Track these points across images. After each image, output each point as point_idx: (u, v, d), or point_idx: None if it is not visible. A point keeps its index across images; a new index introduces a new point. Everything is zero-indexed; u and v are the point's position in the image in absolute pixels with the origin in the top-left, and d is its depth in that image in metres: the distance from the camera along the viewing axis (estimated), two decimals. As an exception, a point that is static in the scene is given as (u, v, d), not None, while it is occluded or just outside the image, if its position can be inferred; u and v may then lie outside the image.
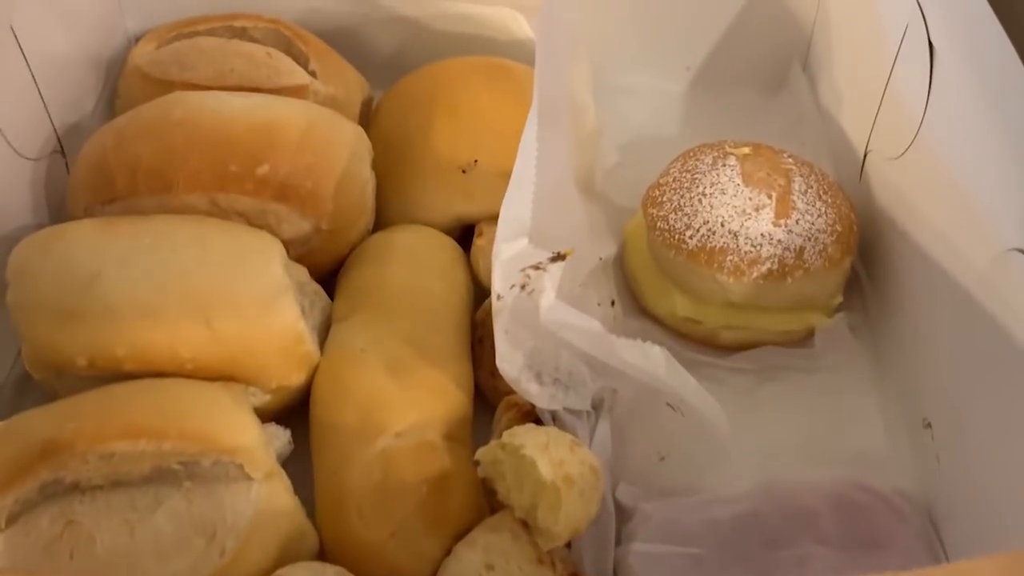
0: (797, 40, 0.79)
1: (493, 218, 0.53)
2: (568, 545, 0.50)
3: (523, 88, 0.63)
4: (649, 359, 0.51)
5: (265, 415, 0.54)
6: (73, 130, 0.69)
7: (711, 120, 0.78)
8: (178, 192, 0.58)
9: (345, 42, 0.76)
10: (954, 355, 0.54)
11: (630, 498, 0.54)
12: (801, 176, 0.63)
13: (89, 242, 0.54)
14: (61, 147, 0.67)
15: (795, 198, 0.61)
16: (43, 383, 0.55)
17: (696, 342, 0.63)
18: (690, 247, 0.61)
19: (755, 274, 0.60)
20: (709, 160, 0.64)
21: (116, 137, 0.61)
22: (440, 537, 0.50)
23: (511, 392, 0.54)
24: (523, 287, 0.50)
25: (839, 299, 0.64)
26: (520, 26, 0.77)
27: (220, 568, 0.47)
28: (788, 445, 0.58)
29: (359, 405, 0.53)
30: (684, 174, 0.64)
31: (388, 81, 0.73)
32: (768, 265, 0.59)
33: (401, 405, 0.53)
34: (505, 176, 0.53)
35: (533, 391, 0.52)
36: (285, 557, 0.49)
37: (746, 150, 0.64)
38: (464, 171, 0.65)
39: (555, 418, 0.53)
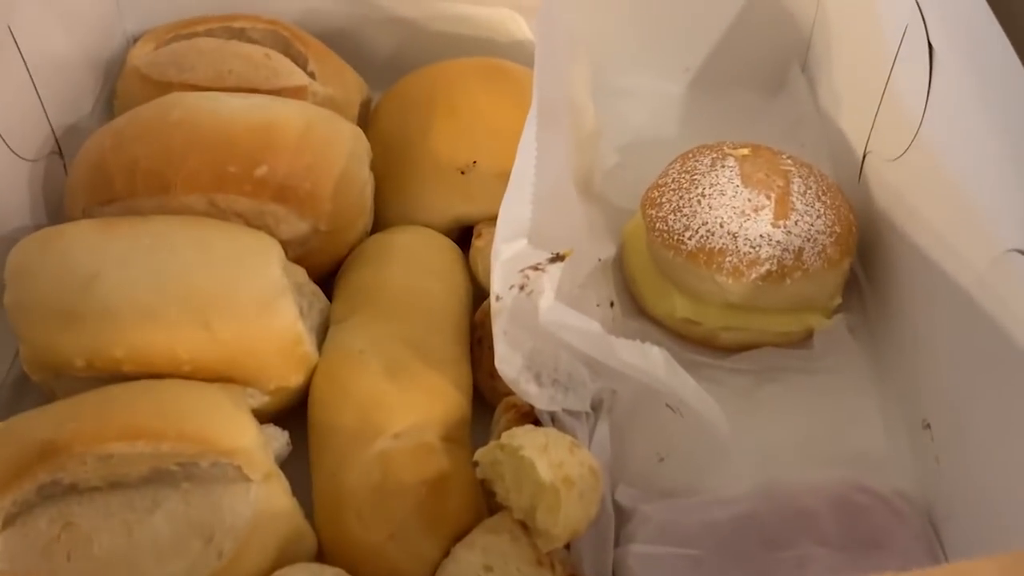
0: (796, 41, 0.79)
1: (492, 219, 0.53)
2: (567, 546, 0.50)
3: (522, 89, 0.63)
4: (648, 360, 0.51)
5: (263, 416, 0.54)
6: (71, 131, 0.69)
7: (710, 121, 0.78)
8: (176, 193, 0.58)
9: (344, 43, 0.76)
10: (953, 356, 0.54)
11: (629, 499, 0.54)
12: (800, 177, 0.63)
13: (87, 243, 0.54)
14: (59, 148, 0.67)
15: (794, 199, 0.61)
16: (41, 384, 0.55)
17: (695, 343, 0.63)
18: (689, 248, 0.61)
19: (754, 275, 0.60)
20: (708, 161, 0.64)
21: (114, 138, 0.61)
22: (439, 538, 0.50)
23: (510, 393, 0.54)
24: (522, 288, 0.50)
25: (838, 300, 0.64)
26: (519, 27, 0.77)
27: (218, 570, 0.47)
28: (787, 446, 0.58)
29: (358, 406, 0.53)
30: (683, 175, 0.64)
31: (387, 82, 0.73)
32: (767, 266, 0.59)
33: (400, 406, 0.53)
34: (504, 177, 0.53)
35: (532, 392, 0.52)
36: (283, 558, 0.48)
37: (745, 151, 0.64)
38: (463, 172, 0.65)
39: (554, 419, 0.53)
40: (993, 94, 0.51)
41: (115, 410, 0.50)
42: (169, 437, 0.48)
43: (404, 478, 0.50)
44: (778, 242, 0.60)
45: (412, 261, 0.61)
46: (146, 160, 0.59)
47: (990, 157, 0.50)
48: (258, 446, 0.50)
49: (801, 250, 0.60)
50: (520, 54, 0.74)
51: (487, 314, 0.53)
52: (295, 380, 0.55)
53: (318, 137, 0.61)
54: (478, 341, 0.60)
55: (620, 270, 0.68)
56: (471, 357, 0.59)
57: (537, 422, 0.53)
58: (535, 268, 0.50)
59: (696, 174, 0.63)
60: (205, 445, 0.48)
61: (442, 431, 0.53)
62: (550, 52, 0.59)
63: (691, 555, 0.51)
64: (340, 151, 0.61)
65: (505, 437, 0.49)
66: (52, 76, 0.66)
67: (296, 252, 0.60)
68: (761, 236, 0.60)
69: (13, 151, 0.62)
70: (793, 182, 0.62)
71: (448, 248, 0.64)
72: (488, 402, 0.58)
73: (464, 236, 0.66)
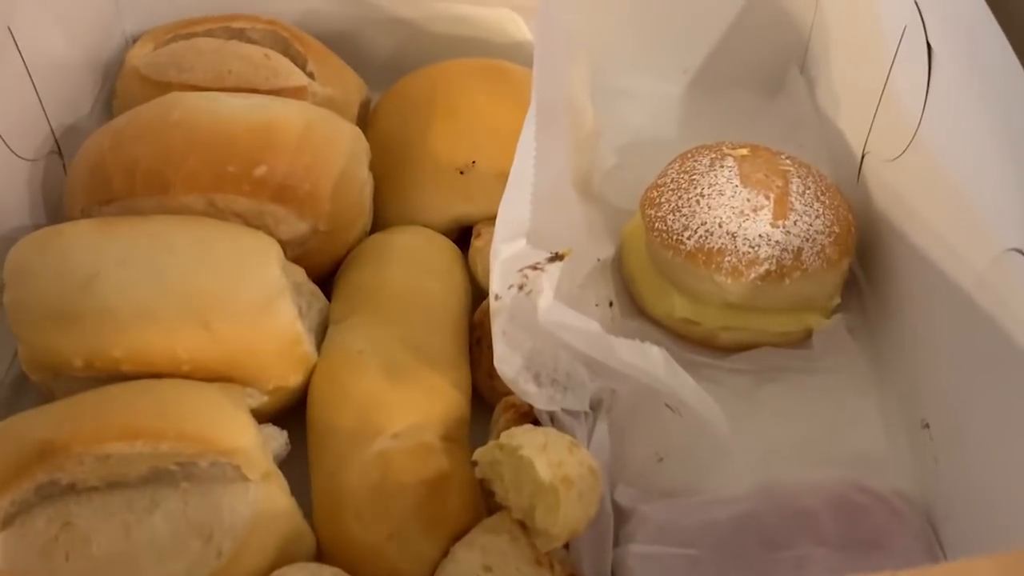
0: (795, 43, 0.79)
1: (491, 219, 0.53)
2: (566, 546, 0.50)
3: (521, 90, 0.63)
4: (648, 360, 0.51)
5: (262, 416, 0.54)
6: (70, 131, 0.69)
7: (709, 122, 0.78)
8: (175, 193, 0.58)
9: (343, 44, 0.76)
10: (952, 356, 0.54)
11: (629, 499, 0.54)
12: (799, 177, 0.63)
13: (86, 243, 0.54)
14: (58, 148, 0.67)
15: (793, 199, 0.61)
16: (40, 384, 0.55)
17: (694, 343, 0.63)
18: (688, 248, 0.61)
19: (753, 275, 0.60)
20: (707, 161, 0.64)
21: (114, 138, 0.61)
22: (438, 538, 0.50)
23: (509, 393, 0.54)
24: (521, 287, 0.50)
25: (837, 300, 0.64)
26: (518, 28, 0.77)
27: (217, 569, 0.47)
28: (786, 446, 0.58)
29: (357, 406, 0.53)
30: (682, 175, 0.64)
31: (386, 82, 0.73)
32: (766, 266, 0.59)
33: (399, 406, 0.53)
34: (503, 177, 0.53)
35: (531, 392, 0.52)
36: (282, 558, 0.48)
37: (744, 151, 0.64)
38: (462, 172, 0.65)
39: (553, 419, 0.53)
40: (992, 94, 0.52)
41: (114, 410, 0.50)
42: (168, 437, 0.48)
43: (403, 478, 0.50)
44: (777, 242, 0.60)
45: (411, 261, 0.61)
46: (145, 160, 0.59)
47: (989, 157, 0.50)
48: (257, 446, 0.50)
49: (800, 250, 0.60)
50: (519, 55, 0.74)
51: (486, 314, 0.53)
52: (294, 380, 0.55)
53: (317, 137, 0.61)
54: (477, 341, 0.60)
55: (619, 270, 0.68)
56: (470, 357, 0.59)
57: (536, 422, 0.53)
58: (534, 268, 0.50)
59: (695, 174, 0.63)
60: (204, 445, 0.48)
61: (441, 431, 0.53)
62: (549, 52, 0.59)
63: (690, 555, 0.51)
64: (339, 151, 0.61)
65: (504, 437, 0.49)
66: (51, 76, 0.66)
67: (295, 252, 0.60)
68: (760, 236, 0.60)
69: (12, 151, 0.62)
70: (792, 182, 0.62)
71: (447, 248, 0.64)
72: (487, 402, 0.58)
73: (463, 236, 0.66)
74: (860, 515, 0.52)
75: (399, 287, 0.59)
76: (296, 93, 0.67)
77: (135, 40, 0.74)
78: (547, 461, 0.47)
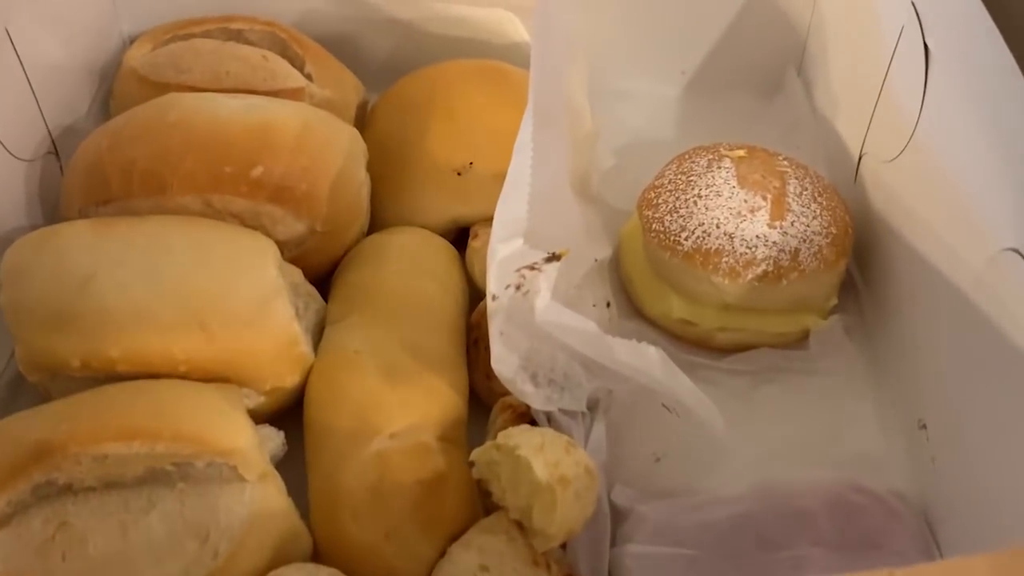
0: (792, 44, 0.79)
1: (488, 220, 0.53)
2: (563, 546, 0.50)
3: (519, 91, 0.62)
4: (645, 360, 0.51)
5: (259, 417, 0.54)
6: (67, 131, 0.69)
7: (707, 124, 0.78)
8: (173, 193, 0.58)
9: (341, 45, 0.76)
10: (949, 356, 0.54)
11: (626, 500, 0.54)
12: (796, 178, 0.63)
13: (83, 243, 0.54)
14: (55, 148, 0.67)
15: (790, 200, 0.61)
16: (37, 384, 0.55)
17: (691, 344, 0.63)
18: (685, 249, 0.61)
19: (750, 276, 0.60)
20: (704, 162, 0.64)
21: (111, 138, 0.61)
22: (435, 538, 0.50)
23: (506, 394, 0.54)
24: (518, 287, 0.50)
25: (834, 301, 0.64)
26: (516, 29, 0.77)
27: (214, 570, 0.47)
28: (783, 446, 0.58)
29: (353, 407, 0.53)
30: (679, 176, 0.64)
31: (384, 84, 0.73)
32: (763, 267, 0.60)
33: (396, 407, 0.52)
34: (501, 179, 0.53)
35: (528, 392, 0.52)
36: (279, 559, 0.48)
37: (741, 152, 0.65)
38: (459, 174, 0.65)
39: (550, 419, 0.53)
40: (988, 95, 0.52)
41: (111, 410, 0.49)
42: (165, 437, 0.48)
43: (400, 478, 0.50)
44: (774, 243, 0.60)
45: (408, 262, 0.61)
46: (143, 160, 0.59)
47: (986, 157, 0.50)
48: (254, 446, 0.50)
49: (797, 251, 0.60)
50: (517, 56, 0.75)
51: (483, 315, 0.54)
52: (291, 380, 0.55)
53: (315, 138, 0.61)
54: (474, 342, 0.60)
55: (616, 271, 0.68)
56: (467, 358, 0.59)
57: (533, 422, 0.53)
58: (531, 268, 0.50)
59: (692, 175, 0.63)
60: (201, 445, 0.48)
61: (438, 431, 0.53)
62: (547, 53, 0.59)
63: (687, 555, 0.51)
64: (337, 152, 0.61)
65: (501, 437, 0.49)
66: (49, 76, 0.66)
67: (292, 253, 0.60)
68: (757, 237, 0.60)
69: (9, 151, 0.62)
70: (789, 183, 0.62)
71: (444, 249, 0.64)
72: (484, 403, 0.58)
73: (461, 237, 0.66)
74: (857, 515, 0.52)
75: (396, 288, 0.59)
76: (294, 94, 0.67)
77: (133, 41, 0.74)
78: (544, 461, 0.47)
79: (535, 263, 0.51)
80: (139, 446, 0.48)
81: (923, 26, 0.57)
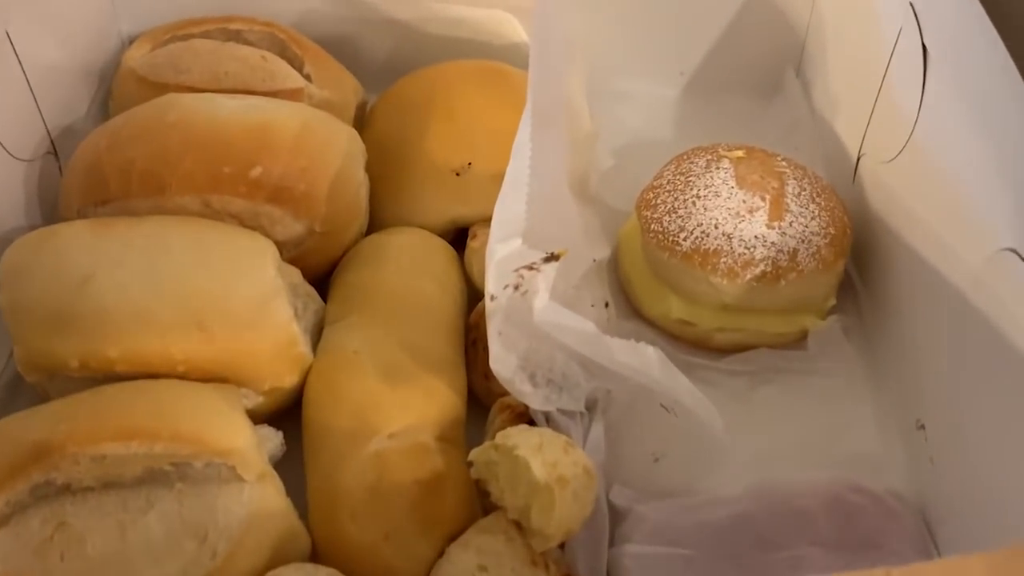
0: (791, 45, 0.80)
1: (487, 221, 0.53)
2: (562, 546, 0.50)
3: (519, 92, 0.62)
4: (643, 360, 0.51)
5: (258, 417, 0.54)
6: (66, 132, 0.69)
7: (705, 125, 0.78)
8: (171, 194, 0.58)
9: (340, 45, 0.76)
10: (947, 356, 0.54)
11: (624, 500, 0.54)
12: (794, 179, 0.63)
13: (82, 243, 0.54)
14: (54, 148, 0.67)
15: (788, 201, 0.61)
16: (35, 385, 0.55)
17: (690, 344, 0.63)
18: (684, 249, 0.61)
19: (749, 276, 0.60)
20: (703, 163, 0.64)
21: (110, 139, 0.61)
22: (433, 539, 0.50)
23: (505, 394, 0.54)
24: (516, 287, 0.50)
25: (832, 301, 0.64)
26: (515, 29, 0.77)
27: (212, 570, 0.47)
28: (782, 447, 0.58)
29: (352, 407, 0.53)
30: (678, 176, 0.64)
31: (383, 84, 0.73)
32: (762, 267, 0.60)
33: (394, 407, 0.52)
34: (499, 179, 0.53)
35: (527, 392, 0.52)
36: (277, 559, 0.48)
37: (740, 153, 0.65)
38: (458, 174, 0.65)
39: (548, 419, 0.53)
40: (987, 95, 0.52)
41: (109, 410, 0.49)
42: (163, 437, 0.48)
43: (399, 478, 0.50)
44: (773, 243, 0.60)
45: (407, 262, 0.61)
46: (142, 161, 0.59)
47: (984, 158, 0.50)
48: (252, 446, 0.50)
49: (795, 251, 0.60)
50: (516, 56, 0.75)
51: (482, 316, 0.53)
52: (290, 381, 0.55)
53: (314, 139, 0.61)
54: (473, 343, 0.60)
55: (615, 271, 0.68)
56: (466, 358, 0.59)
57: (532, 422, 0.53)
58: (530, 268, 0.50)
59: (691, 176, 0.63)
60: (199, 446, 0.48)
61: (437, 431, 0.53)
62: (545, 54, 0.59)
63: (686, 555, 0.51)
64: (336, 153, 0.61)
65: (500, 437, 0.49)
66: (48, 77, 0.66)
67: (291, 253, 0.60)
68: (756, 237, 0.60)
69: (8, 151, 0.62)
70: (788, 184, 0.62)
71: (443, 249, 0.64)
72: (483, 403, 0.58)
73: (459, 238, 0.66)
74: (855, 515, 0.52)
75: (395, 288, 0.59)
76: (293, 95, 0.67)
77: (131, 41, 0.74)
78: (542, 461, 0.47)
79: (534, 263, 0.51)
80: (137, 446, 0.48)
81: (921, 27, 0.57)
